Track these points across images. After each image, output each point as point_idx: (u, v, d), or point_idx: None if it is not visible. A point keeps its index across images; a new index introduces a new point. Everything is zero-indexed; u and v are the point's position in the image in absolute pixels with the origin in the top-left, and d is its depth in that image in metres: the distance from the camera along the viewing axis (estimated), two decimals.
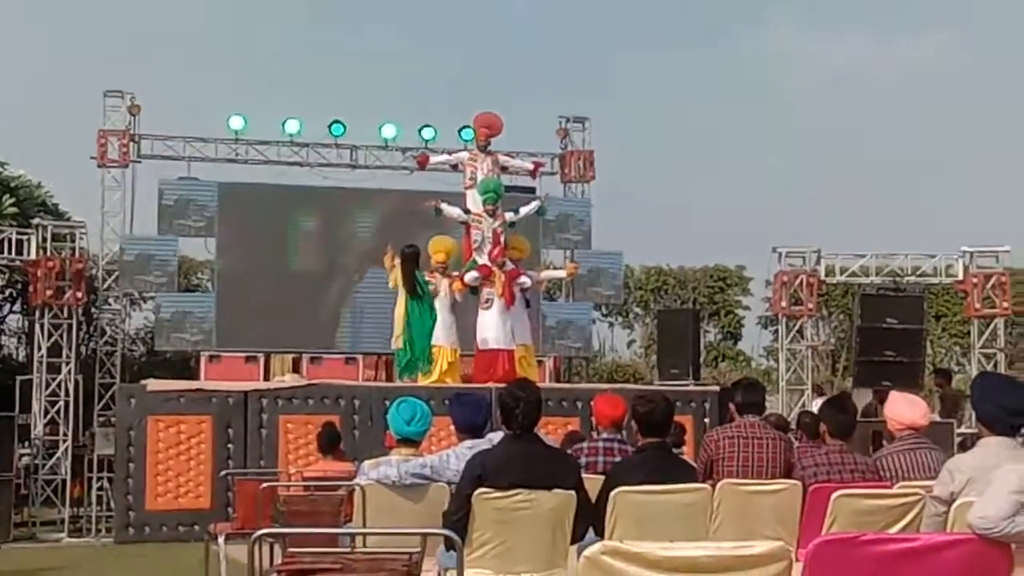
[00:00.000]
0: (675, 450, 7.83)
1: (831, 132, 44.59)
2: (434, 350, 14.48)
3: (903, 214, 38.04)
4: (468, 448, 6.50)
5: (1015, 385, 5.66)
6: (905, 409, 7.20)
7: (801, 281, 19.42)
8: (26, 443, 17.40)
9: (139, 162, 20.10)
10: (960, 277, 19.49)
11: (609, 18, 46.79)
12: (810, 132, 44.92)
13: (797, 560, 3.74)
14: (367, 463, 6.90)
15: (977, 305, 19.27)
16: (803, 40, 48.19)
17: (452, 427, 7.21)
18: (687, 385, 16.88)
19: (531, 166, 16.61)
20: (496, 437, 6.45)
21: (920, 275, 19.74)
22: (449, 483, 6.38)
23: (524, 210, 15.25)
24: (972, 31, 45.69)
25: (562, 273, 17.18)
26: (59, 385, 18.08)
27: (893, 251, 19.97)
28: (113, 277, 19.64)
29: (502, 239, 14.62)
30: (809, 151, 44.91)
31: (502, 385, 6.90)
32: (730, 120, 44.73)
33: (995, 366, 18.84)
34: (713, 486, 6.50)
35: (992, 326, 19.37)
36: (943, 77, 46.13)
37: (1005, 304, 19.22)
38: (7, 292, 24.24)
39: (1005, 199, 39.65)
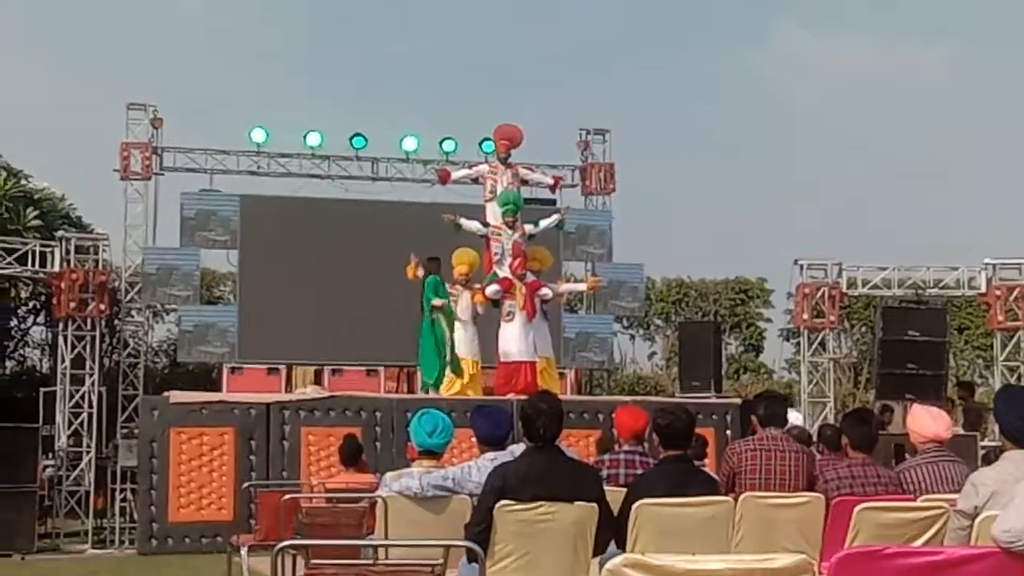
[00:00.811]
0: (697, 462, 7.82)
1: (852, 144, 44.51)
2: (461, 362, 14.54)
3: (925, 226, 37.92)
4: (490, 460, 6.50)
5: None
6: (928, 421, 7.17)
7: (823, 294, 19.37)
8: (50, 455, 17.49)
9: (161, 175, 20.22)
10: (983, 289, 19.41)
11: (629, 31, 46.83)
12: (832, 145, 44.83)
13: (820, 573, 3.74)
14: (389, 475, 6.91)
15: (1000, 318, 19.18)
16: (821, 52, 48.12)
17: (474, 439, 7.21)
18: (709, 397, 16.84)
19: (551, 180, 16.61)
20: (518, 449, 6.45)
21: (942, 287, 19.66)
22: (471, 495, 6.39)
23: (544, 223, 15.25)
24: (989, 39, 45.54)
25: (583, 286, 17.20)
26: (82, 397, 18.15)
27: (915, 263, 19.91)
28: (136, 289, 19.74)
29: (523, 251, 14.63)
30: (830, 163, 44.81)
31: (524, 397, 6.91)
32: (751, 133, 44.73)
33: (1018, 379, 18.75)
34: (735, 499, 6.49)
35: (1015, 338, 19.28)
36: (967, 88, 45.99)
37: None
38: (31, 304, 24.39)
39: None
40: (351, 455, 10.49)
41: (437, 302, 14.67)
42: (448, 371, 14.67)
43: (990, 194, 42.10)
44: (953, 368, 24.56)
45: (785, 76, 47.81)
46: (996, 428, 6.12)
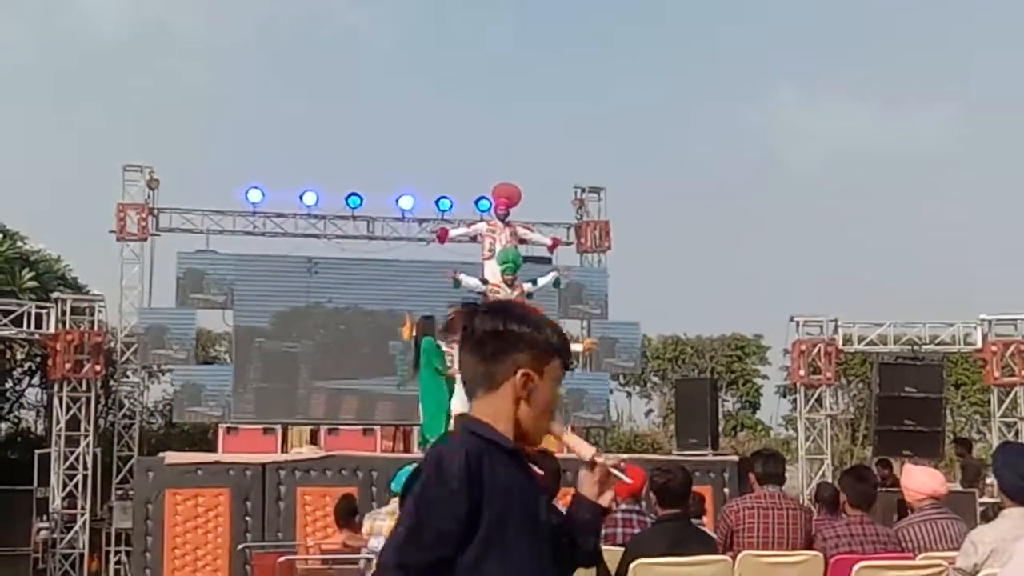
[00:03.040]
0: (695, 521, 7.79)
1: (845, 203, 44.69)
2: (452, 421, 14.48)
3: (921, 283, 37.99)
4: None
5: None
6: (924, 478, 7.17)
7: (819, 350, 19.37)
8: (44, 517, 17.39)
9: (158, 235, 20.26)
10: (979, 345, 19.42)
11: (626, 89, 47.15)
12: (825, 203, 45.03)
13: None
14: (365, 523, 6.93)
15: (996, 373, 19.17)
16: (813, 113, 48.44)
17: None
18: (706, 455, 16.78)
19: (549, 241, 16.64)
20: None
21: (939, 343, 19.66)
22: None
23: (542, 281, 15.25)
24: (982, 102, 45.89)
25: (579, 347, 17.16)
26: (77, 458, 18.08)
27: (911, 320, 19.93)
28: (132, 350, 19.72)
29: None
30: (825, 221, 44.98)
31: None
32: (745, 191, 44.91)
33: (1016, 435, 18.72)
34: (734, 557, 6.46)
35: (1012, 394, 19.26)
36: (956, 146, 46.29)
37: None
38: (26, 366, 24.33)
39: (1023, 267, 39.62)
40: (346, 515, 10.45)
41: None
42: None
43: (985, 250, 42.21)
44: (950, 424, 24.52)
45: (783, 138, 48.08)
46: (995, 485, 6.11)
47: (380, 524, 7.08)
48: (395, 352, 19.56)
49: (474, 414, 3.12)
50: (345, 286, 20.06)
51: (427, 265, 19.24)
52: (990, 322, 19.33)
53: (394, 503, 7.15)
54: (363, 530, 7.11)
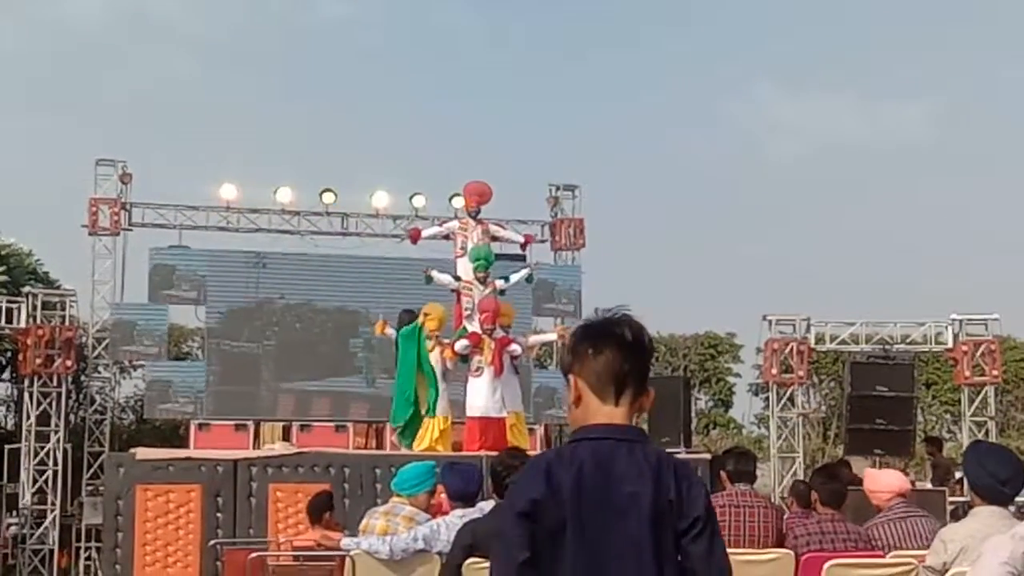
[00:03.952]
0: None
1: (820, 201, 44.86)
2: (424, 418, 14.44)
3: (892, 282, 38.18)
4: (459, 517, 6.48)
5: (1007, 454, 5.66)
6: (887, 478, 7.22)
7: (791, 349, 19.44)
8: (14, 512, 17.31)
9: (130, 230, 20.15)
10: (950, 345, 19.53)
11: (599, 86, 47.19)
12: (801, 200, 45.18)
13: None
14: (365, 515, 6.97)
15: (967, 373, 19.28)
16: (790, 110, 48.61)
17: (443, 495, 7.19)
18: (678, 453, 16.81)
19: (522, 239, 16.64)
20: (487, 506, 6.43)
21: (910, 343, 19.75)
22: (440, 553, 6.36)
23: (515, 277, 15.26)
24: (956, 100, 46.15)
25: (552, 336, 17.16)
26: (48, 454, 17.99)
27: (883, 319, 20.03)
28: (103, 345, 19.61)
29: (493, 306, 14.61)
30: (799, 219, 45.15)
31: (494, 453, 6.91)
32: (720, 188, 44.99)
33: (986, 434, 18.84)
34: None
35: (982, 394, 19.38)
36: (928, 146, 46.52)
37: (995, 372, 19.25)
38: None
39: (994, 267, 39.85)
40: (319, 512, 10.41)
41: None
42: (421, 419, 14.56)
43: (956, 250, 42.45)
44: (921, 423, 24.64)
45: (761, 134, 48.21)
46: (965, 483, 6.14)
47: (373, 523, 7.07)
48: (356, 350, 19.62)
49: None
50: (319, 282, 20.00)
51: (385, 261, 19.38)
52: (961, 322, 19.44)
53: (392, 502, 7.13)
54: (359, 527, 7.10)
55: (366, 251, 20.66)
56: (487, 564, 5.62)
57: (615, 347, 3.20)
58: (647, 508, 3.06)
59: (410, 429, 14.54)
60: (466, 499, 6.83)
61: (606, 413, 3.17)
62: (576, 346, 3.23)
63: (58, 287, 21.48)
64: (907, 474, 12.10)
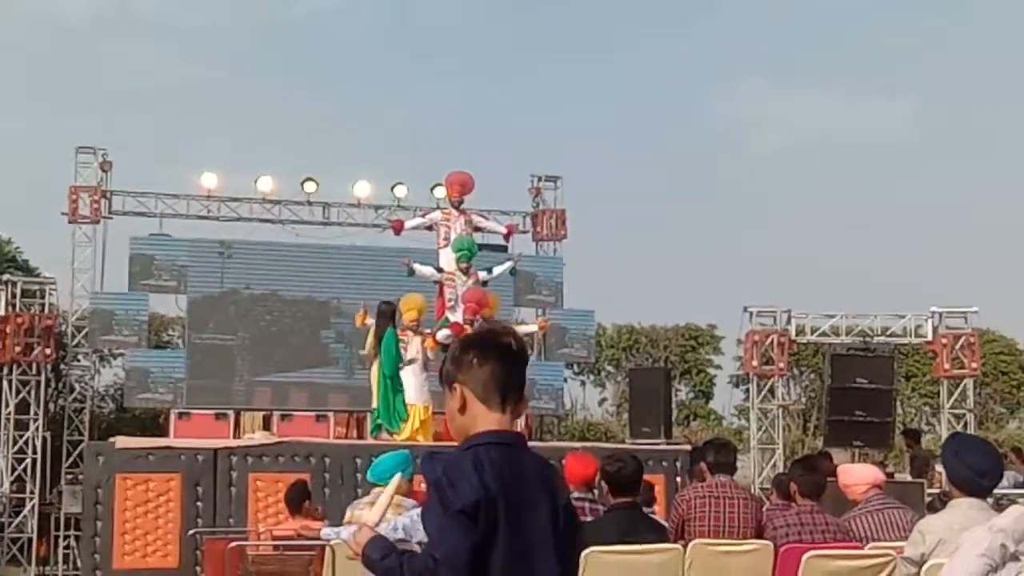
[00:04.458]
0: (646, 509, 7.82)
1: (801, 192, 44.97)
2: (408, 408, 14.43)
3: (873, 275, 38.30)
4: None
5: (986, 446, 5.69)
6: (861, 471, 7.26)
7: (772, 340, 19.49)
8: None
9: (110, 218, 20.06)
10: (929, 337, 19.62)
11: (582, 77, 47.14)
12: (781, 193, 45.24)
13: None
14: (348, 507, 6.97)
15: (946, 365, 19.37)
16: (774, 103, 48.67)
17: (423, 486, 7.18)
18: (659, 444, 16.82)
19: (504, 229, 16.64)
20: None
21: (890, 335, 19.84)
22: (420, 543, 6.35)
23: (498, 269, 15.25)
24: (939, 95, 46.24)
25: (533, 327, 17.16)
26: (26, 442, 17.92)
27: (863, 311, 20.11)
28: (83, 334, 19.54)
29: (476, 297, 14.59)
30: (780, 211, 45.22)
31: None
32: (701, 181, 45.02)
33: (964, 426, 18.92)
34: (685, 546, 6.50)
35: (961, 386, 19.48)
36: (910, 140, 46.63)
37: (974, 365, 19.35)
38: None
39: (974, 260, 39.99)
40: (298, 501, 10.40)
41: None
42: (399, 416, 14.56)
43: (937, 242, 42.61)
44: (900, 415, 24.73)
45: (744, 127, 48.24)
46: (943, 475, 6.17)
47: (359, 514, 7.06)
48: (328, 342, 19.60)
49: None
50: (300, 271, 19.94)
51: (356, 251, 19.37)
52: (941, 314, 19.53)
53: (374, 492, 7.13)
54: (344, 519, 7.09)
55: (347, 240, 20.62)
56: None
57: (500, 357, 3.34)
58: (547, 508, 3.27)
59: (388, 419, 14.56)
60: None
61: (495, 420, 3.32)
62: (461, 356, 3.36)
63: (38, 275, 21.39)
64: (885, 466, 12.19)
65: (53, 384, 19.96)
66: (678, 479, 14.35)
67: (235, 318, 19.58)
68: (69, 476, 18.23)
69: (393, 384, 14.37)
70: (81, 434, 19.09)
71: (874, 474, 7.18)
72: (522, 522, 3.18)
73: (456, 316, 14.48)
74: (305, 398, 19.62)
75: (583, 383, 32.80)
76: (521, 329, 17.20)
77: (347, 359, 19.22)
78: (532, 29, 47.04)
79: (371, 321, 14.51)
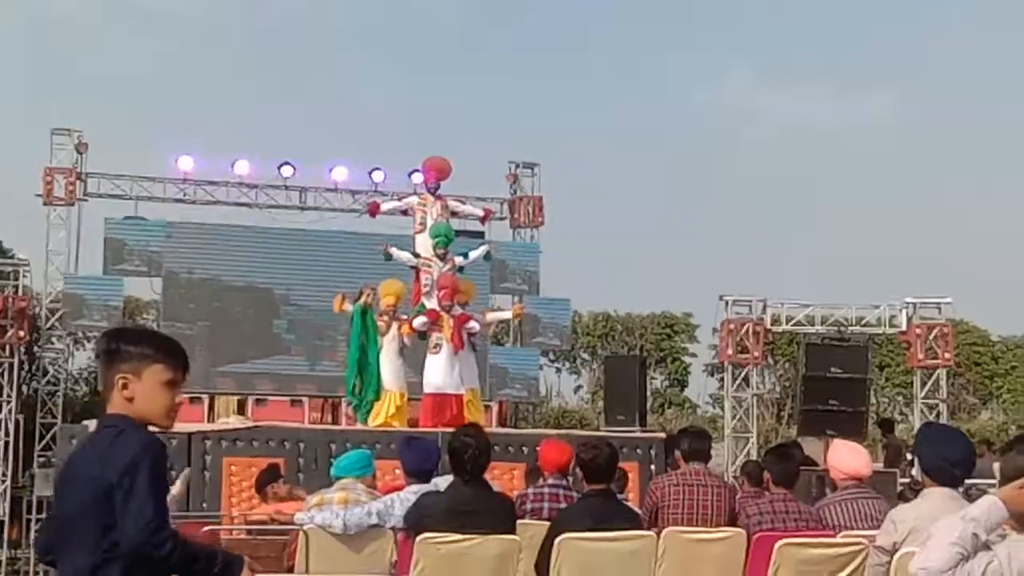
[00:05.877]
0: (619, 496, 7.83)
1: (780, 184, 45.12)
2: (383, 394, 14.41)
3: (848, 265, 38.48)
4: (414, 493, 6.49)
5: (958, 436, 5.71)
6: (848, 458, 7.24)
7: (747, 329, 19.56)
8: None
9: (86, 200, 19.96)
10: (903, 328, 19.71)
11: (563, 67, 47.14)
12: (759, 184, 45.39)
13: None
14: (312, 497, 6.95)
15: (920, 356, 19.47)
16: (756, 96, 48.77)
17: (399, 471, 7.19)
18: (633, 431, 16.85)
19: (481, 212, 16.61)
20: (443, 482, 6.44)
21: (864, 325, 19.92)
22: (394, 528, 6.36)
23: (474, 255, 15.23)
24: (917, 89, 46.44)
25: (508, 314, 17.16)
26: None
27: (838, 301, 20.19)
28: (57, 316, 19.43)
29: (452, 283, 14.58)
30: (758, 202, 45.37)
31: (450, 430, 6.92)
32: (679, 170, 45.13)
33: (937, 416, 19.03)
34: (658, 533, 6.51)
35: (935, 377, 19.59)
36: (887, 132, 46.83)
37: (947, 355, 19.47)
38: None
39: (948, 251, 40.22)
40: (261, 486, 10.33)
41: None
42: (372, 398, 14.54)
43: (911, 233, 42.85)
44: (874, 405, 24.86)
45: (724, 119, 48.34)
46: (916, 465, 6.20)
47: (330, 496, 7.06)
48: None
49: None
50: (277, 256, 19.84)
51: (358, 237, 19.24)
52: (915, 305, 19.63)
53: (337, 485, 7.14)
54: (312, 501, 7.09)
55: (324, 225, 20.57)
56: (441, 538, 5.65)
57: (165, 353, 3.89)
58: None
59: (365, 404, 14.53)
60: (423, 475, 6.82)
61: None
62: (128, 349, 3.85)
63: (12, 257, 21.29)
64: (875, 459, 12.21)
65: (26, 366, 19.87)
66: (652, 467, 14.37)
67: (218, 300, 19.50)
68: (41, 459, 18.16)
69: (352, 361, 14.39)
70: (54, 417, 19.02)
71: (856, 466, 7.17)
72: None
73: (432, 302, 14.45)
74: (271, 389, 19.57)
75: (558, 370, 32.92)
76: (497, 316, 17.23)
77: (303, 350, 19.23)
78: (516, 18, 47.04)
79: (348, 307, 14.47)
